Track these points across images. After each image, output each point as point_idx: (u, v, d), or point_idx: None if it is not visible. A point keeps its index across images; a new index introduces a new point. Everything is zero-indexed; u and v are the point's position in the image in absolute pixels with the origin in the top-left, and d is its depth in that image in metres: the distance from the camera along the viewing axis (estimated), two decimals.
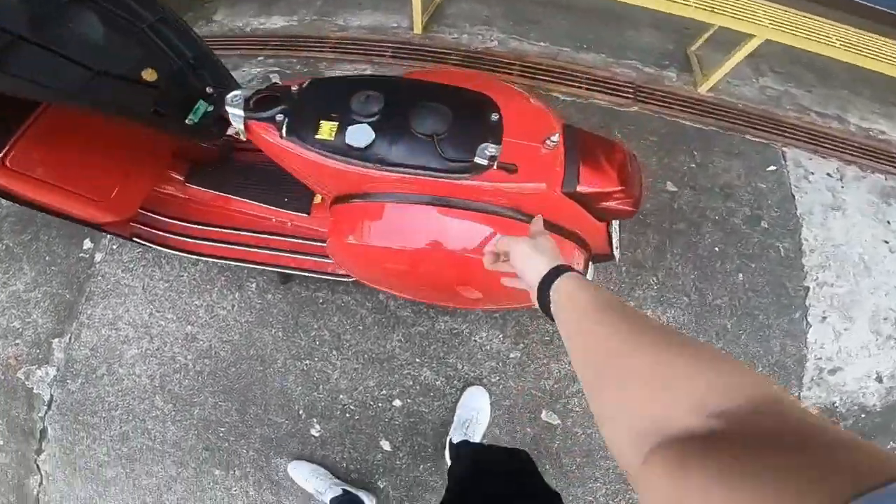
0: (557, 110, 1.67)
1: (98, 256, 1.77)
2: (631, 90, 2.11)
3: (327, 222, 1.34)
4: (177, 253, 1.44)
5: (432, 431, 1.52)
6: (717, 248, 1.69)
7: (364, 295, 1.65)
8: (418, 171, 0.91)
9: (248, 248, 1.42)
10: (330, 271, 1.41)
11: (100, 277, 1.72)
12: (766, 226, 1.74)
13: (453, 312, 1.64)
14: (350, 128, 0.92)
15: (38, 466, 1.57)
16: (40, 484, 1.57)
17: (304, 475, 1.41)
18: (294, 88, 0.98)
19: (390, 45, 2.23)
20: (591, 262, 1.18)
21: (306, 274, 1.43)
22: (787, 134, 1.98)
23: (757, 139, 1.95)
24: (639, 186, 1.04)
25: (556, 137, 0.92)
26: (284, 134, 0.94)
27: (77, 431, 1.58)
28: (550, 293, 0.50)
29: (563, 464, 1.49)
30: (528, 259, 0.56)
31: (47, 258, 1.76)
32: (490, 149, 0.90)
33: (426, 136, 0.91)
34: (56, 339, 1.66)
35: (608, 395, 0.37)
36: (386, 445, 1.51)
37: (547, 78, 2.15)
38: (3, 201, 1.82)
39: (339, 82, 1.04)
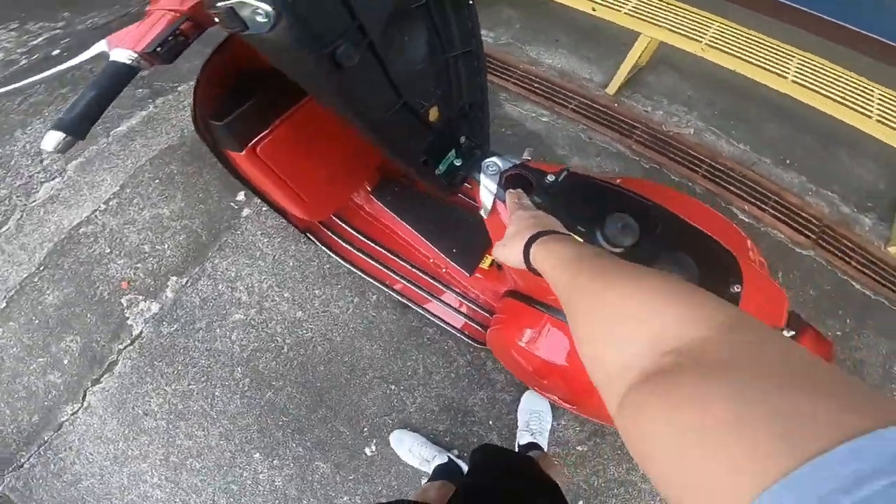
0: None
1: (246, 212, 1.80)
2: (815, 229, 1.93)
3: (485, 290, 1.29)
4: (324, 249, 1.43)
5: None
6: None
7: (465, 346, 1.60)
8: None
9: (394, 274, 1.37)
10: (459, 328, 1.38)
11: (239, 232, 1.75)
12: None
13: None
14: None
15: (84, 395, 1.56)
16: (74, 413, 1.54)
17: (408, 445, 1.41)
18: (549, 178, 0.88)
19: (575, 97, 2.14)
20: None
21: (435, 321, 1.40)
22: None
23: None
24: None
25: None
26: None
27: (145, 375, 1.57)
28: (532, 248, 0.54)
29: None
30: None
31: (201, 195, 1.81)
32: None
33: None
34: (175, 278, 1.69)
35: (586, 331, 0.36)
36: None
37: (733, 189, 2.00)
38: (187, 131, 1.90)
39: (596, 188, 0.89)
